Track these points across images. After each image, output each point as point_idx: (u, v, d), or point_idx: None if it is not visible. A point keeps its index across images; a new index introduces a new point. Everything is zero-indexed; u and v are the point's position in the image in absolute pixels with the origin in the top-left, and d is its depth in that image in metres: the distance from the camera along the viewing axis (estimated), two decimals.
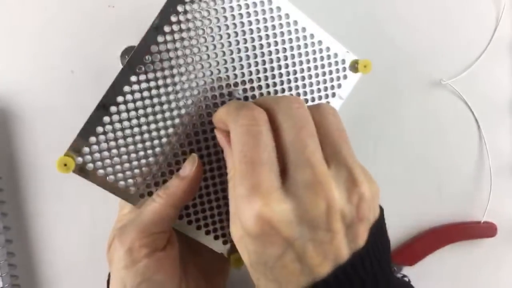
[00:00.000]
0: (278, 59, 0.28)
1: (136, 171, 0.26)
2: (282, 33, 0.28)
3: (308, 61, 0.29)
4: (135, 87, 0.26)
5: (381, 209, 0.23)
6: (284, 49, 0.29)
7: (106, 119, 0.26)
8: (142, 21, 0.34)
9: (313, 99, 0.29)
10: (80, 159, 0.25)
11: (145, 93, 0.26)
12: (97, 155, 0.26)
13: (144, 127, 0.26)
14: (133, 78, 0.26)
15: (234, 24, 0.27)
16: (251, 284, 0.23)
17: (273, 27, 0.28)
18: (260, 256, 0.20)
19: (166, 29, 0.26)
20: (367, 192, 0.20)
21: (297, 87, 0.29)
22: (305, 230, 0.19)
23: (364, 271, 0.20)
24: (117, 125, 0.26)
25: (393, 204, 0.36)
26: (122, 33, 0.33)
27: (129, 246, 0.24)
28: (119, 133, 0.26)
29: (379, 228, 0.22)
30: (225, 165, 0.28)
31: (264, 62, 0.28)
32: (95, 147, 0.26)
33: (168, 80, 0.26)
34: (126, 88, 0.26)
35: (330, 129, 0.22)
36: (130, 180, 0.26)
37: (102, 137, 0.26)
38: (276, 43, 0.28)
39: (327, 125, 0.22)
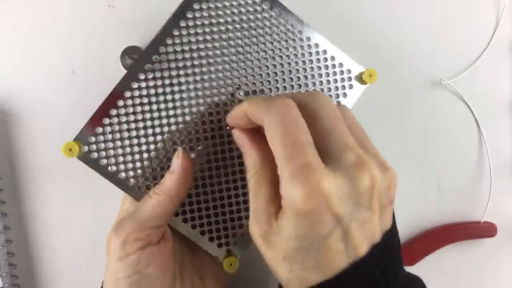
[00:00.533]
0: (282, 65, 0.29)
1: (137, 164, 0.27)
2: (286, 41, 0.29)
3: (312, 69, 0.30)
4: (143, 84, 0.27)
5: None
6: (288, 56, 0.29)
7: (113, 111, 0.27)
8: (142, 21, 0.34)
9: None
10: (86, 147, 0.27)
11: (152, 90, 0.27)
12: (101, 145, 0.27)
13: (149, 123, 0.28)
14: (141, 76, 0.27)
15: (246, 34, 0.29)
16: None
17: (280, 36, 0.29)
18: (305, 239, 0.20)
19: (182, 23, 0.28)
20: (395, 177, 0.22)
21: None
22: (351, 208, 0.20)
23: (391, 248, 0.22)
24: (123, 118, 0.27)
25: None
26: (122, 33, 0.33)
27: (124, 239, 0.25)
28: (124, 126, 0.27)
29: (393, 213, 0.23)
30: (224, 165, 0.28)
31: (267, 68, 0.29)
32: (100, 137, 0.27)
33: (176, 79, 0.28)
34: (134, 84, 0.27)
35: (352, 123, 0.24)
36: (131, 172, 0.27)
37: (108, 128, 0.27)
38: (280, 50, 0.29)
39: (349, 120, 0.23)
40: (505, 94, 0.39)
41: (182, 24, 0.28)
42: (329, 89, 0.30)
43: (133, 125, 0.27)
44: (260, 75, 0.29)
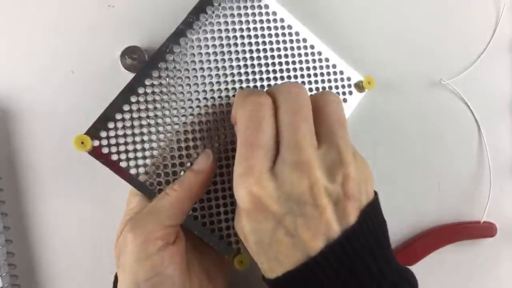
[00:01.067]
0: (287, 71, 0.30)
1: (148, 161, 0.27)
2: (286, 48, 0.30)
3: (316, 75, 0.31)
4: (156, 81, 0.28)
5: (375, 193, 0.24)
6: (287, 62, 0.30)
7: (126, 107, 0.27)
8: (142, 21, 0.34)
9: None
10: (97, 142, 0.27)
11: (164, 88, 0.28)
12: (113, 140, 0.27)
13: (160, 120, 0.28)
14: (155, 73, 0.28)
15: (250, 42, 0.30)
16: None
17: (281, 41, 0.30)
18: (257, 233, 0.22)
19: (189, 34, 0.29)
20: (352, 172, 0.22)
21: None
22: (293, 206, 0.21)
23: (359, 244, 0.21)
24: (135, 114, 0.27)
25: (393, 204, 0.36)
26: (122, 33, 0.33)
27: (145, 238, 0.24)
28: (136, 122, 0.27)
29: (374, 209, 0.23)
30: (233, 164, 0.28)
31: (268, 72, 0.30)
32: (112, 132, 0.27)
33: (186, 79, 0.28)
34: (147, 81, 0.28)
35: (329, 114, 0.23)
36: (141, 169, 0.27)
37: (120, 123, 0.27)
38: (280, 56, 0.30)
39: (327, 110, 0.23)
40: (505, 94, 0.39)
41: (195, 26, 0.29)
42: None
43: (145, 121, 0.28)
44: (268, 78, 0.30)
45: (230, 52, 0.29)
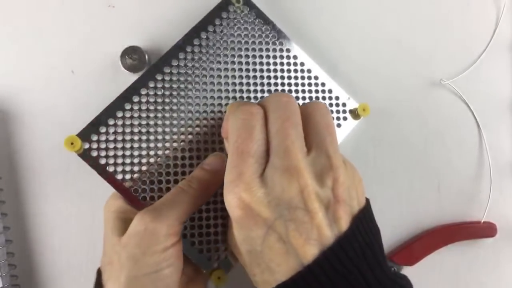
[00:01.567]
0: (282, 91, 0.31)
1: (136, 167, 0.28)
2: (282, 70, 0.31)
3: (311, 98, 0.32)
4: (151, 91, 0.29)
5: (367, 200, 0.24)
6: (283, 84, 0.31)
7: (119, 113, 0.28)
8: (142, 21, 0.34)
9: None
10: (87, 144, 0.27)
11: (159, 99, 0.29)
12: (103, 144, 0.28)
13: (152, 129, 0.28)
14: (151, 84, 0.29)
15: (248, 62, 0.31)
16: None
17: (278, 63, 0.31)
18: (248, 242, 0.22)
19: (188, 49, 0.30)
20: (342, 176, 0.22)
21: None
22: (284, 211, 0.21)
23: (353, 251, 0.21)
24: (128, 122, 0.28)
25: (393, 204, 0.36)
26: (122, 33, 0.33)
27: (166, 231, 0.24)
28: (128, 129, 0.28)
29: (366, 215, 0.23)
30: None
31: (263, 91, 0.31)
32: (103, 136, 0.28)
33: (182, 92, 0.29)
34: (143, 91, 0.29)
35: (317, 121, 0.23)
36: (128, 175, 0.28)
37: (111, 129, 0.28)
38: (276, 77, 0.31)
39: (315, 118, 0.23)
40: (505, 94, 0.39)
41: (196, 42, 0.30)
42: None
43: (136, 129, 0.28)
44: (263, 97, 0.30)
45: (227, 70, 0.30)
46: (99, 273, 0.27)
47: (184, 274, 0.28)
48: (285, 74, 0.31)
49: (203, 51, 0.30)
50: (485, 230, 0.38)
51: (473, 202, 0.38)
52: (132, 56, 0.32)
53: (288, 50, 0.31)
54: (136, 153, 0.28)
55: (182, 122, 0.29)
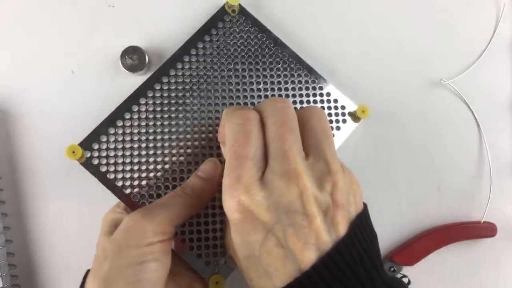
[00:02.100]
0: (280, 96, 0.31)
1: (135, 175, 0.29)
2: (283, 75, 0.32)
3: (308, 102, 0.32)
4: (150, 101, 0.30)
5: (365, 205, 0.24)
6: (280, 89, 0.31)
7: (119, 123, 0.29)
8: (142, 21, 0.34)
9: None
10: (88, 153, 0.28)
11: (158, 107, 0.30)
12: (104, 152, 0.29)
13: (151, 137, 0.29)
14: (150, 93, 0.30)
15: (244, 68, 0.31)
16: None
17: (275, 68, 0.32)
18: (246, 246, 0.22)
19: (186, 59, 0.30)
20: (340, 181, 0.22)
21: None
22: (283, 215, 0.21)
23: (350, 257, 0.21)
24: (128, 130, 0.29)
25: (393, 204, 0.36)
26: (122, 33, 0.33)
27: (155, 228, 0.25)
28: (128, 137, 0.29)
29: (363, 221, 0.23)
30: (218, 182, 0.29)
31: (260, 97, 0.31)
32: (104, 145, 0.29)
33: (180, 100, 0.30)
34: (142, 100, 0.30)
35: (314, 126, 0.23)
36: (128, 182, 0.29)
37: (112, 137, 0.29)
38: (273, 83, 0.31)
39: (312, 122, 0.24)
40: (505, 94, 0.39)
41: (193, 52, 0.31)
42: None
43: (136, 137, 0.29)
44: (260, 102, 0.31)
45: (224, 77, 0.31)
46: (87, 272, 0.27)
47: (183, 279, 0.28)
48: (282, 79, 0.31)
49: (200, 60, 0.30)
50: (485, 230, 0.38)
51: (473, 202, 0.38)
52: (132, 56, 0.32)
53: (284, 56, 0.32)
54: (136, 160, 0.29)
55: (181, 129, 0.29)
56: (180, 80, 0.30)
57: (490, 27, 0.38)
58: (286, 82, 0.31)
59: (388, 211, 0.37)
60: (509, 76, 0.39)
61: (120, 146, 0.29)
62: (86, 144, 0.28)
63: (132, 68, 0.32)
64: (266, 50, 0.31)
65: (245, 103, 0.31)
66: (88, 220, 0.33)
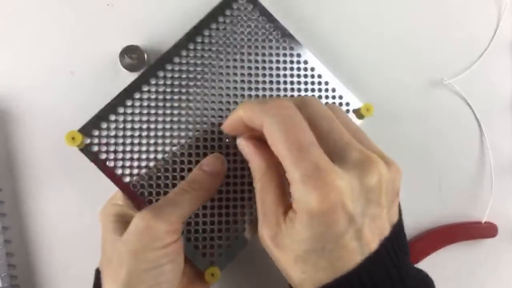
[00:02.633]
0: (285, 90, 0.31)
1: (135, 163, 0.28)
2: (285, 68, 0.31)
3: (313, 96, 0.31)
4: (153, 88, 0.29)
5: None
6: (291, 83, 0.31)
7: (120, 109, 0.28)
8: (142, 20, 0.34)
9: None
10: (87, 140, 0.28)
11: (160, 96, 0.29)
12: (104, 139, 0.28)
13: (152, 125, 0.29)
14: (153, 81, 0.29)
15: (250, 59, 0.30)
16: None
17: (281, 61, 0.31)
18: (319, 240, 0.20)
19: (191, 46, 0.30)
20: (399, 170, 0.22)
21: None
22: (362, 205, 0.20)
23: (401, 241, 0.22)
24: (129, 118, 0.28)
25: None
26: (122, 33, 0.33)
27: (167, 228, 0.24)
28: (129, 125, 0.28)
29: (399, 210, 0.24)
30: None
31: (265, 89, 0.30)
32: (104, 132, 0.28)
33: (184, 89, 0.29)
34: (145, 87, 0.29)
35: (348, 123, 0.24)
36: (127, 170, 0.28)
37: (113, 124, 0.28)
38: (278, 75, 0.31)
39: (344, 119, 0.24)
40: (506, 93, 0.39)
41: (198, 40, 0.30)
42: None
43: (137, 125, 0.28)
44: (264, 95, 0.31)
45: (229, 67, 0.30)
46: (97, 273, 0.27)
47: (185, 275, 0.28)
48: (288, 72, 0.31)
49: (205, 48, 0.30)
50: (486, 231, 0.37)
51: (474, 202, 0.38)
52: (131, 56, 0.32)
53: (291, 48, 0.31)
54: (136, 149, 0.28)
55: (183, 119, 0.29)
56: (184, 68, 0.29)
57: (491, 26, 0.38)
58: (292, 76, 0.31)
59: None
60: (511, 75, 0.39)
61: (121, 133, 0.28)
62: (85, 130, 0.28)
63: (131, 68, 0.32)
64: (273, 41, 0.31)
65: (249, 96, 0.30)
66: (88, 219, 0.33)
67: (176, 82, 0.29)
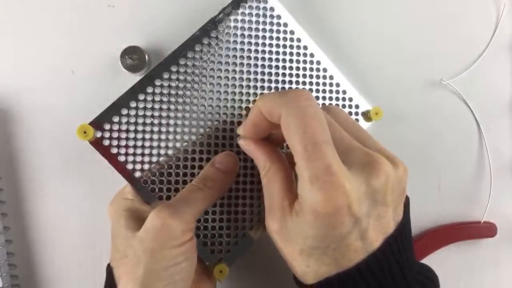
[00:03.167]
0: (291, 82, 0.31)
1: (146, 158, 0.28)
2: (298, 68, 0.31)
3: (324, 98, 0.32)
4: (165, 83, 0.28)
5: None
6: (297, 82, 0.31)
7: (133, 104, 0.28)
8: (142, 21, 0.34)
9: None
10: (99, 133, 0.27)
11: (173, 90, 0.28)
12: (115, 133, 0.28)
13: (164, 121, 0.28)
14: (166, 75, 0.28)
15: (264, 57, 0.30)
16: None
17: (295, 61, 0.31)
18: (323, 239, 0.20)
19: (205, 41, 0.29)
20: (406, 169, 0.22)
21: None
22: (368, 206, 0.20)
23: (405, 237, 0.22)
24: (141, 112, 0.28)
25: None
26: (122, 33, 0.33)
27: (183, 227, 0.24)
28: (141, 120, 0.28)
29: (407, 205, 0.24)
30: None
31: (277, 89, 0.30)
32: (115, 126, 0.28)
33: (196, 86, 0.29)
34: (157, 82, 0.28)
35: (350, 124, 0.24)
36: (138, 165, 0.28)
37: (124, 118, 0.28)
38: (291, 75, 0.31)
39: (346, 121, 0.24)
40: (505, 94, 0.39)
41: (212, 35, 0.29)
42: None
43: (149, 120, 0.28)
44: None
45: (242, 64, 0.29)
46: (110, 268, 0.26)
47: (195, 272, 0.28)
48: (301, 72, 0.31)
49: (219, 43, 0.29)
50: (485, 230, 0.38)
51: (473, 202, 0.38)
52: (132, 56, 0.32)
53: (305, 47, 0.31)
54: (147, 144, 0.28)
55: (195, 115, 0.29)
56: (197, 63, 0.29)
57: (490, 26, 0.38)
58: (304, 76, 0.31)
59: None
60: (510, 76, 0.39)
61: (132, 128, 0.28)
62: (97, 123, 0.27)
63: (132, 68, 0.32)
64: (288, 40, 0.30)
65: (262, 93, 0.30)
66: (88, 219, 0.33)
67: (189, 77, 0.29)
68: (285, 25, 0.30)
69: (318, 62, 0.31)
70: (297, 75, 0.31)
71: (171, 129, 0.28)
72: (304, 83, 0.31)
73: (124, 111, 0.28)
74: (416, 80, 0.37)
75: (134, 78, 0.32)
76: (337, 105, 0.32)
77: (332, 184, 0.19)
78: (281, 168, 0.23)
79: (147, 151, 0.28)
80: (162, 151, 0.28)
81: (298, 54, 0.31)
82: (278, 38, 0.30)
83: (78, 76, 0.33)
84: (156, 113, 0.28)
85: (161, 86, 0.28)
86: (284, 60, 0.30)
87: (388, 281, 0.21)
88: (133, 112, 0.28)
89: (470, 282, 0.38)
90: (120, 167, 0.27)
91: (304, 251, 0.21)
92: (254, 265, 0.34)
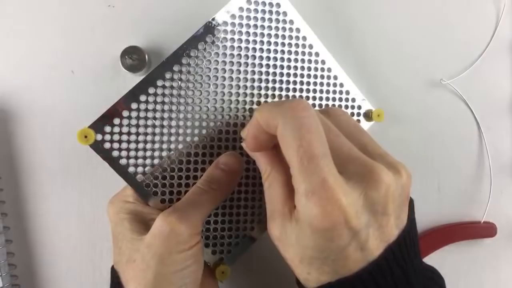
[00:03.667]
0: (294, 90, 0.30)
1: (148, 161, 0.27)
2: (303, 67, 0.30)
3: (328, 99, 0.31)
4: (167, 83, 0.27)
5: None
6: (302, 82, 0.30)
7: (134, 105, 0.27)
8: (142, 21, 0.34)
9: None
10: (99, 136, 0.26)
11: (175, 91, 0.28)
12: (116, 136, 0.27)
13: (166, 122, 0.28)
14: (168, 75, 0.27)
15: (269, 57, 0.29)
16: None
17: (299, 60, 0.30)
18: (322, 251, 0.20)
19: (208, 39, 0.28)
20: (409, 175, 0.22)
21: None
22: (367, 218, 0.20)
23: (409, 241, 0.21)
24: (142, 114, 0.27)
25: None
26: (122, 33, 0.33)
27: (191, 231, 0.24)
28: (142, 122, 0.27)
29: (412, 208, 0.23)
30: None
31: (281, 89, 0.30)
32: (116, 128, 0.27)
33: (199, 86, 0.28)
34: (159, 82, 0.27)
35: (352, 129, 0.24)
36: (140, 168, 0.27)
37: (125, 121, 0.27)
38: (296, 75, 0.30)
39: (348, 126, 0.24)
40: (505, 94, 0.39)
41: (208, 39, 0.28)
42: None
43: (150, 122, 0.27)
44: (280, 95, 0.30)
45: (246, 64, 0.29)
46: (114, 271, 0.26)
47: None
48: (305, 73, 0.30)
49: (223, 42, 0.28)
50: (485, 230, 0.38)
51: (473, 202, 0.38)
52: (132, 56, 0.32)
53: (311, 46, 0.30)
54: (149, 146, 0.27)
55: (197, 116, 0.28)
56: (200, 63, 0.28)
57: (490, 27, 0.38)
58: (309, 76, 0.30)
59: None
60: (509, 76, 0.39)
61: (133, 130, 0.27)
62: (97, 126, 0.26)
63: (132, 68, 0.32)
64: (293, 39, 0.30)
65: (266, 95, 0.29)
66: (88, 219, 0.33)
67: (192, 78, 0.28)
68: (291, 22, 0.30)
69: (323, 62, 0.31)
70: (302, 75, 0.30)
71: (173, 130, 0.28)
72: (308, 83, 0.30)
73: (125, 113, 0.27)
74: (416, 80, 0.37)
75: (134, 78, 0.32)
76: (340, 105, 0.31)
77: (328, 199, 0.19)
78: (282, 173, 0.23)
79: (148, 154, 0.27)
80: (164, 154, 0.28)
81: (303, 53, 0.30)
82: (284, 36, 0.30)
83: (78, 76, 0.33)
84: (158, 115, 0.27)
85: (163, 86, 0.27)
86: (289, 60, 0.30)
87: (390, 287, 0.20)
88: (134, 114, 0.27)
89: (470, 282, 0.38)
90: (122, 171, 0.27)
91: (304, 259, 0.21)
92: (254, 265, 0.34)
